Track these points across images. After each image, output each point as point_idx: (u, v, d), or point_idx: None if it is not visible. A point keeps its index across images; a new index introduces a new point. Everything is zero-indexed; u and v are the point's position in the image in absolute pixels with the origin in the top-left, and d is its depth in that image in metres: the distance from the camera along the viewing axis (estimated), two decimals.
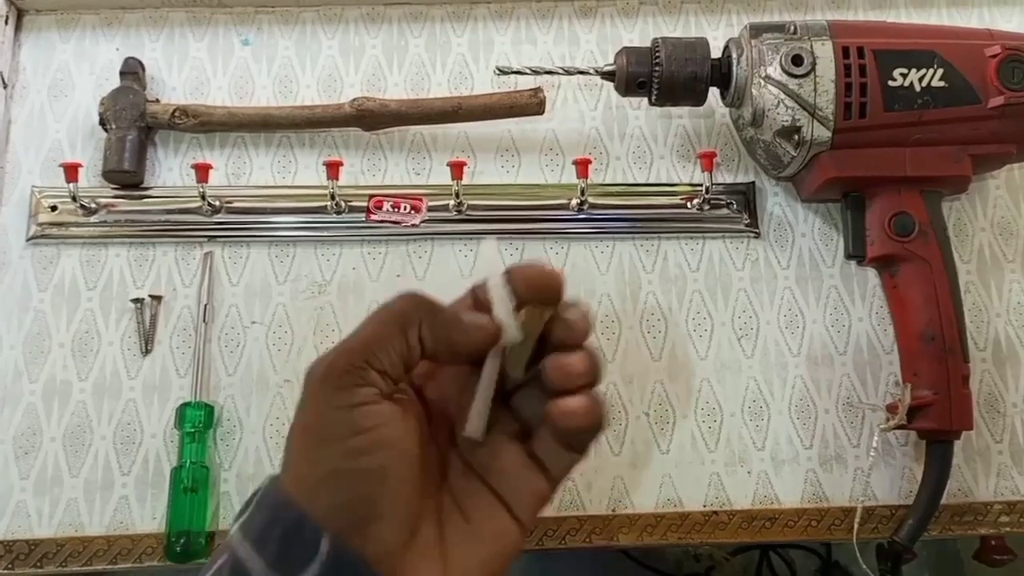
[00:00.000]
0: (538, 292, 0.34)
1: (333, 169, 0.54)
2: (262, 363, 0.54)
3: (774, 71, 0.51)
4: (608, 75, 0.54)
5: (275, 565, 0.30)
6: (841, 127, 0.51)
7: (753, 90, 0.52)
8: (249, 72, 0.59)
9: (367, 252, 0.56)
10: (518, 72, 0.55)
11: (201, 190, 0.54)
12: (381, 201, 0.56)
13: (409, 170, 0.58)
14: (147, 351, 0.53)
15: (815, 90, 0.51)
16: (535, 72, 0.55)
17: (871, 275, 0.56)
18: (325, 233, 0.56)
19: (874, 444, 0.52)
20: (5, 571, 0.50)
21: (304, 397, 0.33)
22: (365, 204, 0.56)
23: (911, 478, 0.53)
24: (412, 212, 0.56)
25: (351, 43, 0.60)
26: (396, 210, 0.56)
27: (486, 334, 0.33)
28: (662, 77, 0.53)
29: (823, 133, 0.51)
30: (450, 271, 0.56)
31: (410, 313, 0.34)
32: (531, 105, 0.55)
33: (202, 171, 0.54)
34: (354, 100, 0.56)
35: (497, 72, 0.55)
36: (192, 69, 0.59)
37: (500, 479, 0.35)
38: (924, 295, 0.52)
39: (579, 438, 0.35)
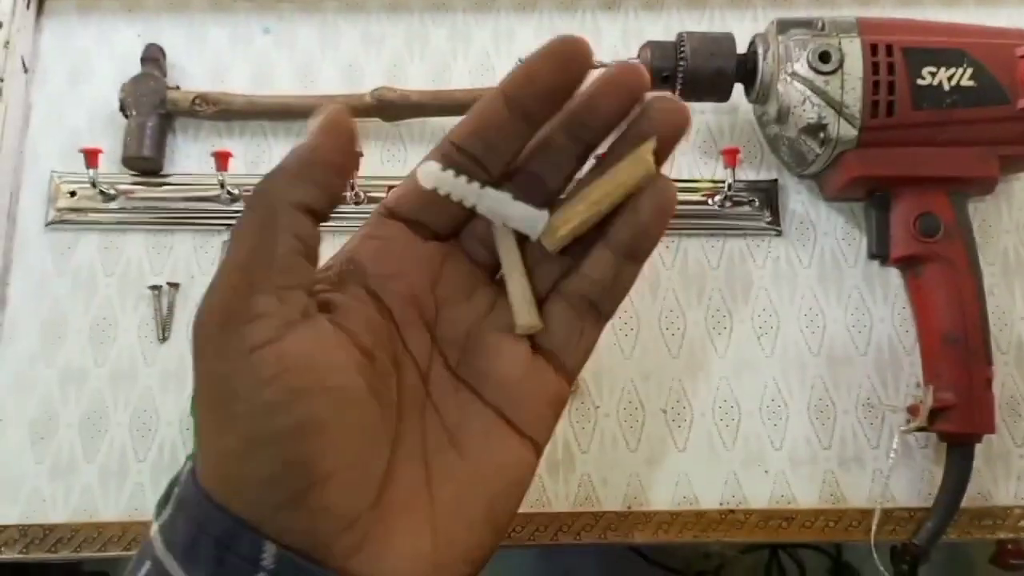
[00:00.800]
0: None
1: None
2: None
3: (801, 67, 0.50)
4: None
5: None
6: (868, 125, 0.50)
7: (779, 86, 0.51)
8: (269, 60, 0.59)
9: None
10: None
11: (220, 178, 0.54)
12: None
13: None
14: (164, 338, 0.53)
15: (842, 87, 0.50)
16: None
17: (894, 276, 0.55)
18: (343, 224, 0.56)
19: (894, 446, 0.52)
20: (19, 555, 0.50)
21: (193, 357, 0.25)
22: (383, 195, 0.56)
23: (930, 480, 0.52)
24: None
25: (372, 33, 0.60)
26: None
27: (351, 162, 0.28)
28: (687, 71, 0.52)
29: (849, 131, 0.50)
30: None
31: (281, 193, 0.26)
32: None
33: (222, 159, 0.53)
34: (375, 90, 0.55)
35: (519, 62, 0.54)
36: (213, 56, 0.59)
37: (500, 388, 0.28)
38: (948, 296, 0.51)
39: (651, 234, 0.28)
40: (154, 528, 0.25)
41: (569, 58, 0.27)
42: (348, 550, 0.24)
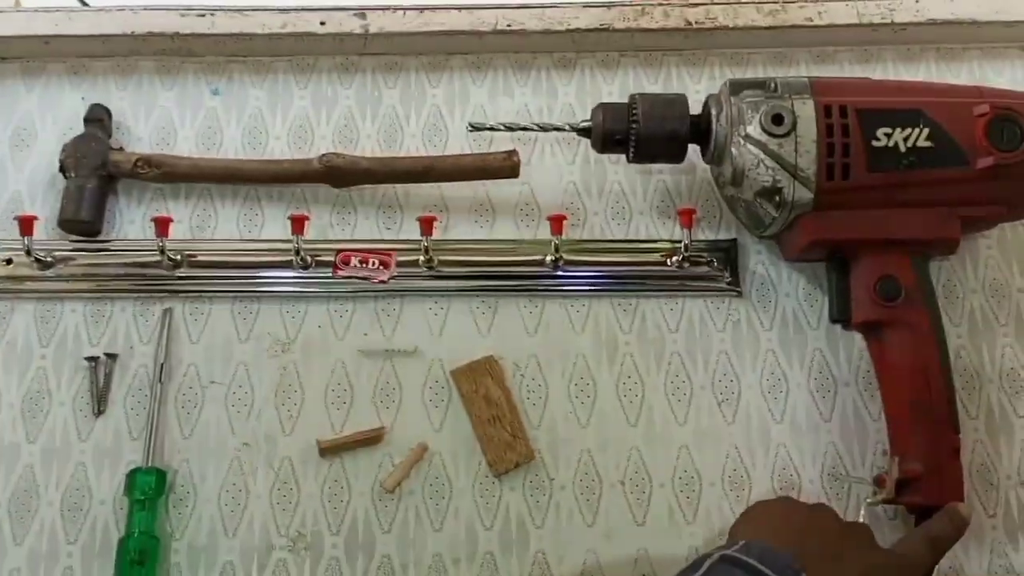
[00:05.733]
0: None
1: (298, 224, 0.52)
2: (220, 426, 0.51)
3: (754, 130, 0.49)
4: (584, 132, 0.53)
5: None
6: (823, 188, 0.49)
7: (733, 149, 0.50)
8: (218, 122, 0.58)
9: (333, 309, 0.54)
10: (491, 129, 0.53)
11: (161, 244, 0.52)
12: (349, 256, 0.54)
13: (379, 225, 0.56)
14: (99, 412, 0.51)
15: (796, 150, 0.49)
16: (509, 128, 0.53)
17: (858, 338, 0.54)
18: (290, 289, 0.54)
19: (861, 518, 0.49)
20: None
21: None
22: (332, 259, 0.54)
23: None
24: (381, 268, 0.54)
25: (324, 94, 0.59)
26: (364, 265, 0.54)
27: None
28: (639, 134, 0.51)
29: (805, 194, 0.49)
30: (420, 329, 0.54)
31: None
32: (504, 168, 0.53)
33: (162, 225, 0.52)
34: (323, 156, 0.54)
35: (469, 128, 0.53)
36: (160, 118, 0.58)
37: None
38: (912, 363, 0.49)
39: None
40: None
41: None
42: None
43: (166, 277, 0.53)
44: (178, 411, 0.51)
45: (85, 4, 1.29)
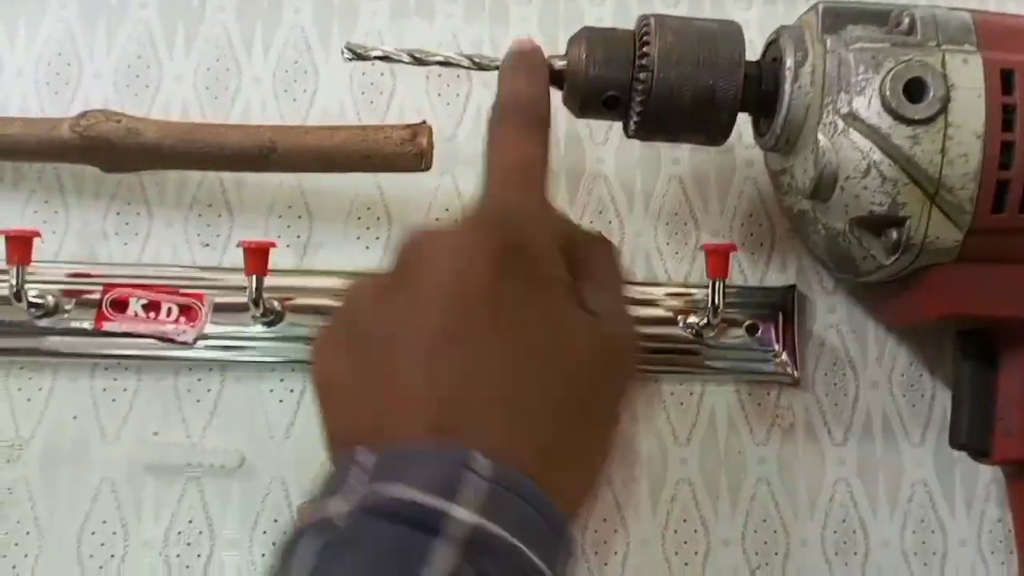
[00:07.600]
0: None
1: (17, 246, 0.29)
2: None
3: (867, 105, 0.26)
4: (554, 78, 0.29)
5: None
6: (984, 225, 0.26)
7: (820, 136, 0.27)
8: None
9: (101, 388, 0.31)
10: (384, 58, 0.29)
11: None
12: (126, 297, 0.31)
13: (188, 240, 0.33)
14: None
15: (944, 152, 0.26)
16: (417, 60, 0.29)
17: (992, 474, 0.32)
18: (22, 350, 0.31)
19: None
20: None
21: None
22: (97, 301, 0.31)
23: None
24: (183, 320, 0.31)
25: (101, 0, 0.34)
26: (153, 315, 0.31)
27: None
28: (653, 90, 0.27)
29: (948, 233, 0.26)
30: (250, 426, 0.31)
31: None
32: (404, 156, 0.29)
33: None
34: (82, 116, 0.30)
35: (346, 54, 0.29)
36: None
37: None
38: None
39: None
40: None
41: None
42: None
43: None
44: None
45: None
